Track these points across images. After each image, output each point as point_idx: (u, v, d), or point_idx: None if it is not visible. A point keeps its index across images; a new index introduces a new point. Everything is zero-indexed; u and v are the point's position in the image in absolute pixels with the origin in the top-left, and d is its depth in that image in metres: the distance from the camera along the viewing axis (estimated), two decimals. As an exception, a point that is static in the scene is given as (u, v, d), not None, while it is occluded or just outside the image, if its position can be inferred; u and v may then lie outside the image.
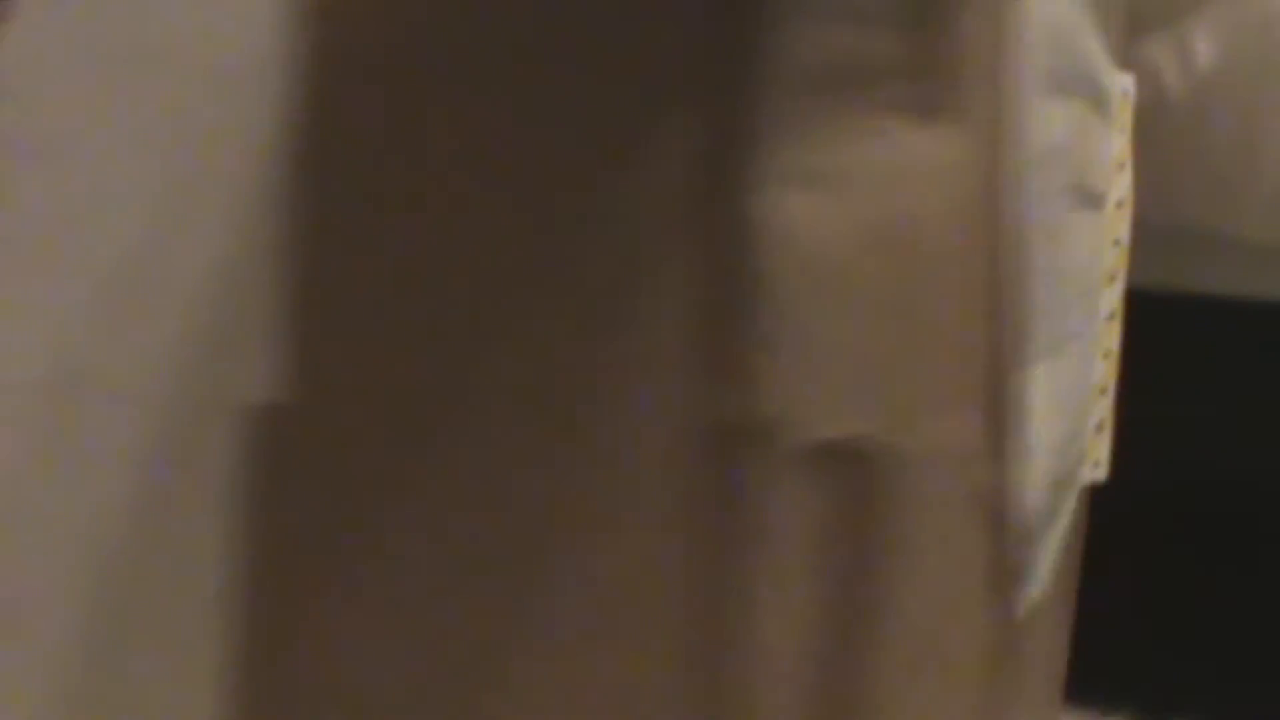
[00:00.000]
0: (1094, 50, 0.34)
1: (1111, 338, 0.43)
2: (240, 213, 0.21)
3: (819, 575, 0.20)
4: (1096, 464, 0.43)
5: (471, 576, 0.21)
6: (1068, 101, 0.27)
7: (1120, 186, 0.43)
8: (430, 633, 0.21)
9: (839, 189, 0.20)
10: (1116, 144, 0.42)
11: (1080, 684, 0.50)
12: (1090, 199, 0.38)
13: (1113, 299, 0.43)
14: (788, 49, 0.20)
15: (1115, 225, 0.43)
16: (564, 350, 0.20)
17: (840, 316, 0.20)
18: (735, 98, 0.20)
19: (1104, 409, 0.43)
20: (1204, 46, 0.46)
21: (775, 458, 0.20)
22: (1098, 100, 0.36)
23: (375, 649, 0.21)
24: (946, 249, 0.21)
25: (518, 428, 0.21)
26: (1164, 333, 0.48)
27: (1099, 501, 0.48)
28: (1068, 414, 0.29)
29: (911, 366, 0.20)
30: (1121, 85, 0.42)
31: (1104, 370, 0.43)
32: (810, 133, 0.20)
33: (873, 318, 0.20)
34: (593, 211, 0.21)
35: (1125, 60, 0.43)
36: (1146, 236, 0.40)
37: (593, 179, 0.21)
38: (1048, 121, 0.25)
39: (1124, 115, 0.42)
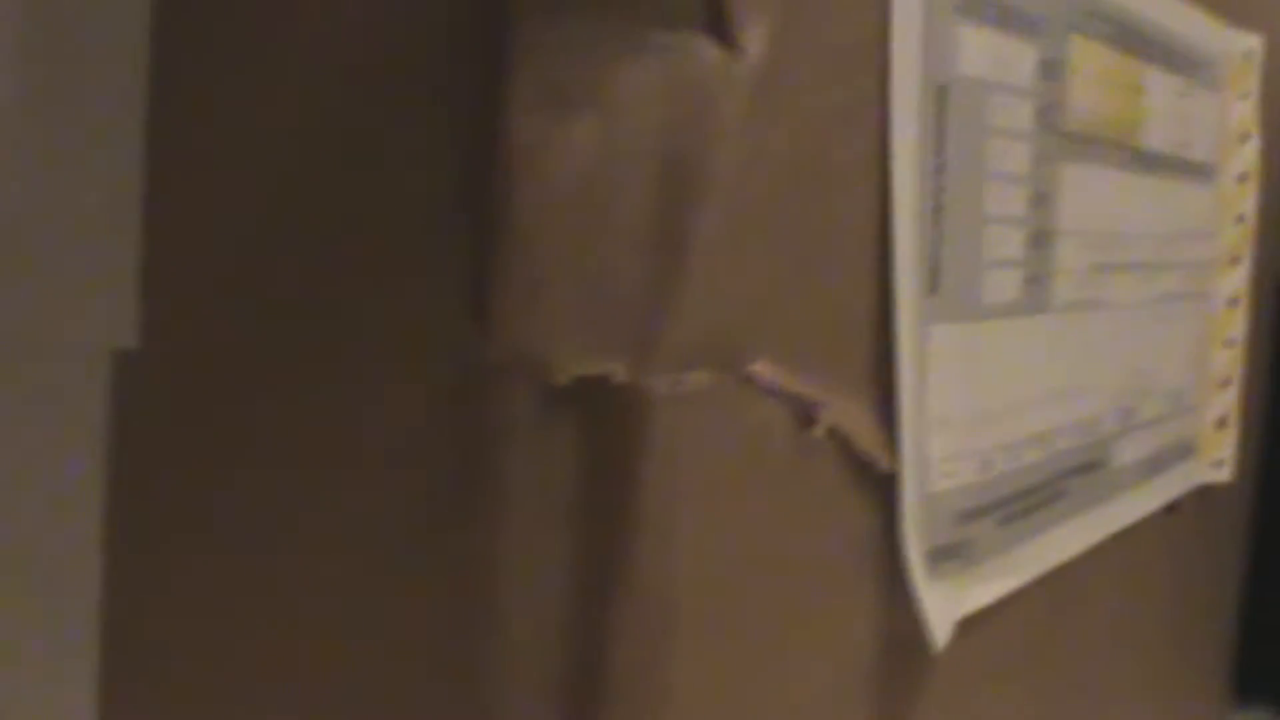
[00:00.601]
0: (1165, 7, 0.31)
1: (1234, 325, 0.39)
2: (98, 160, 0.22)
3: (568, 528, 0.19)
4: (1219, 463, 0.39)
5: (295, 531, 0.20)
6: (991, 32, 0.24)
7: (1243, 159, 0.39)
8: (280, 585, 0.21)
9: (598, 109, 0.19)
10: (1235, 111, 0.38)
11: (1252, 684, 0.45)
12: (1185, 167, 0.34)
13: (1235, 282, 0.39)
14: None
15: (1235, 201, 0.39)
16: (352, 306, 0.20)
17: (590, 247, 0.19)
18: (487, 21, 0.19)
19: (1225, 403, 0.39)
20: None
21: (517, 400, 0.19)
22: (1185, 61, 0.33)
23: (231, 601, 0.21)
24: (724, 176, 0.19)
25: (323, 385, 0.21)
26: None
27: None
28: (1032, 387, 0.26)
29: (670, 302, 0.19)
30: (1242, 47, 0.38)
31: (1225, 360, 0.39)
32: (567, 49, 0.19)
33: (629, 248, 0.19)
34: (359, 154, 0.20)
35: (1251, 20, 0.39)
36: None
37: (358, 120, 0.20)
38: (952, 52, 0.22)
39: (1245, 80, 0.38)
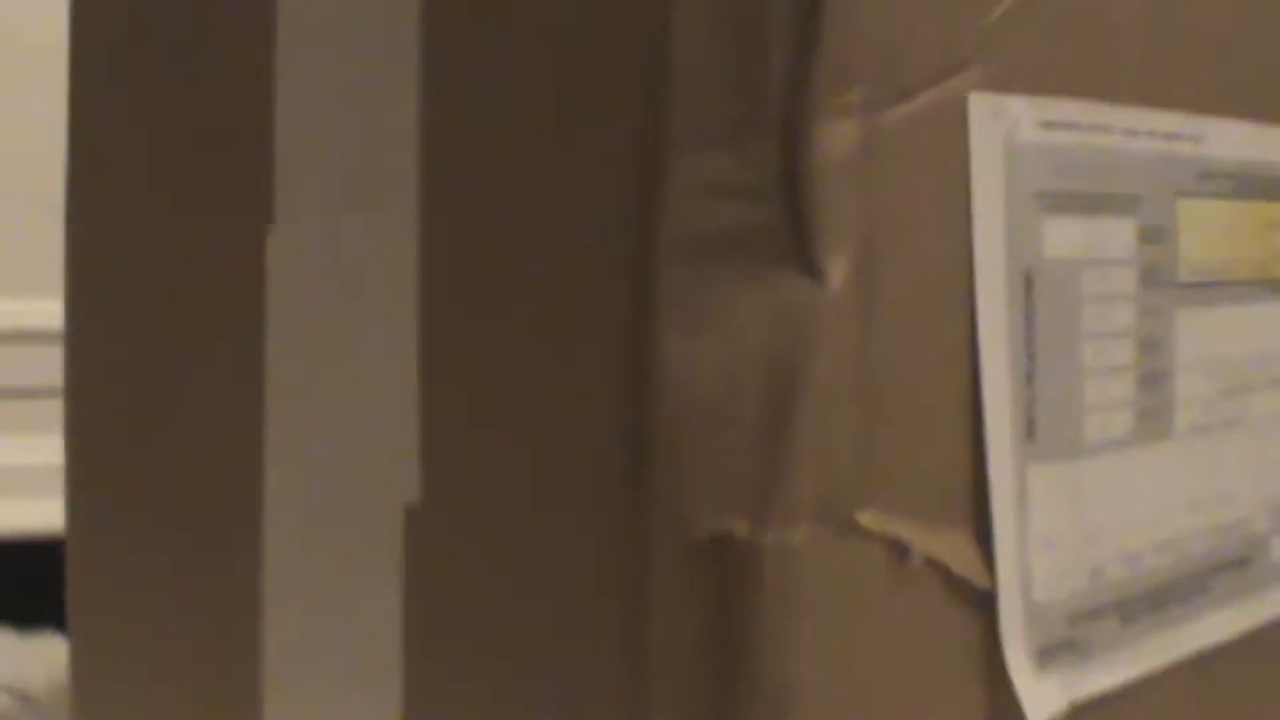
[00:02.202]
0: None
1: None
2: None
3: (707, 653, 0.25)
4: None
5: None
6: (1079, 218, 0.30)
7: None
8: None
9: (721, 333, 0.25)
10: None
11: None
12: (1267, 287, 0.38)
13: None
14: (686, 220, 0.26)
15: None
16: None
17: (719, 435, 0.25)
18: (641, 264, 0.26)
19: None
20: None
21: (667, 552, 0.25)
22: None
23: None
24: (824, 379, 0.25)
25: (516, 544, 0.28)
26: None
27: None
28: (1146, 508, 0.31)
29: (778, 476, 0.25)
30: None
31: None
32: (702, 286, 0.26)
33: (747, 435, 0.25)
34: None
35: None
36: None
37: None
38: (1036, 242, 0.28)
39: None
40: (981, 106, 0.27)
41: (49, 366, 0.40)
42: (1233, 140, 0.34)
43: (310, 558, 0.32)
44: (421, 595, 0.29)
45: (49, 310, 0.40)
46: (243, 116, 0.33)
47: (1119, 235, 0.30)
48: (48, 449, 0.41)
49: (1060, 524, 0.29)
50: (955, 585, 0.28)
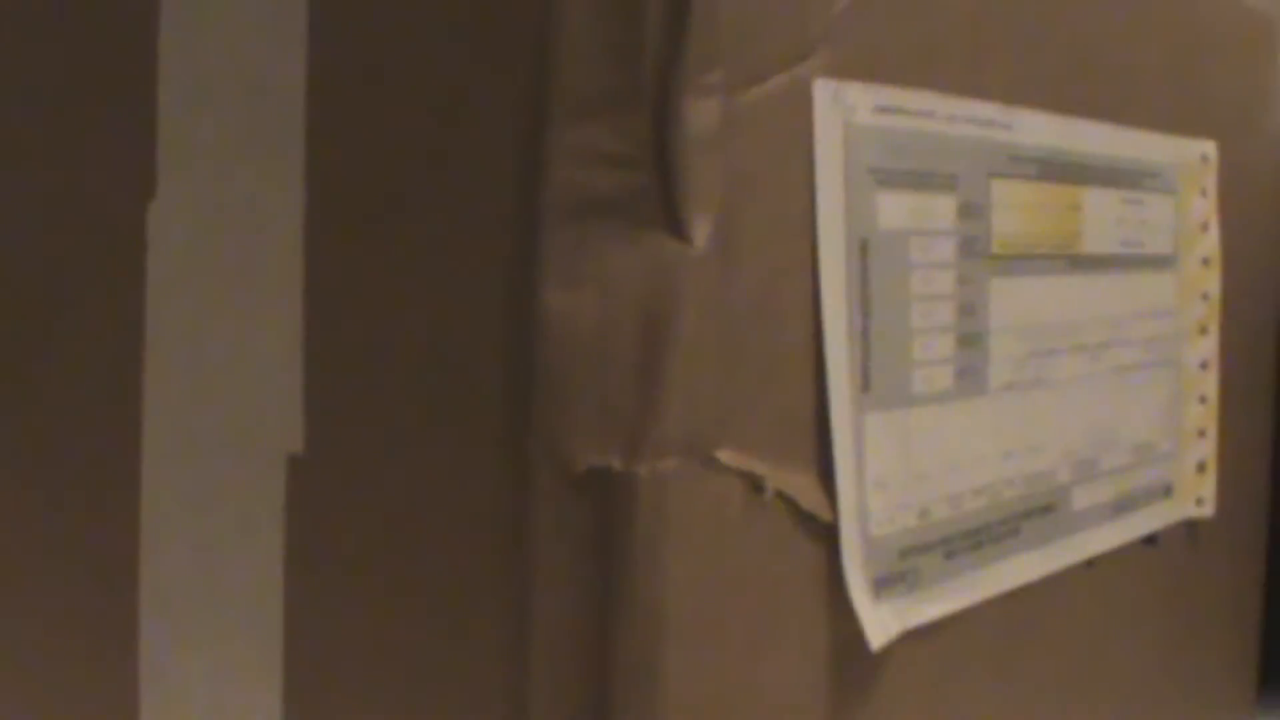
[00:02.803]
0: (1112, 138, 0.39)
1: (1207, 384, 0.47)
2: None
3: (584, 571, 0.28)
4: (1200, 501, 0.47)
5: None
6: (908, 193, 0.33)
7: (1205, 245, 0.46)
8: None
9: (599, 285, 0.28)
10: (1196, 206, 0.46)
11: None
12: (1139, 260, 0.42)
13: (1205, 348, 0.47)
14: (567, 186, 0.28)
15: (1199, 281, 0.46)
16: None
17: (597, 377, 0.28)
18: (524, 224, 0.29)
19: (1203, 451, 0.47)
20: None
21: (549, 483, 0.28)
22: (1130, 175, 0.41)
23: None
24: (689, 329, 0.28)
25: (411, 473, 0.30)
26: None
27: None
28: (969, 451, 0.35)
29: (651, 414, 0.28)
30: (1198, 152, 0.46)
31: (1200, 414, 0.47)
32: (581, 244, 0.28)
33: (623, 377, 0.28)
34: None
35: (1206, 130, 0.47)
36: None
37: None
38: (870, 213, 0.31)
39: (1203, 179, 0.46)
40: (824, 91, 0.31)
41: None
42: (1039, 128, 0.38)
43: (190, 507, 0.34)
44: (303, 543, 0.32)
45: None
46: (128, 72, 0.35)
47: (941, 210, 0.34)
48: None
49: (892, 466, 0.32)
50: (803, 518, 0.31)
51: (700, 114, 0.28)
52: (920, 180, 0.33)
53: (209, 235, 0.33)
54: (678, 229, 0.28)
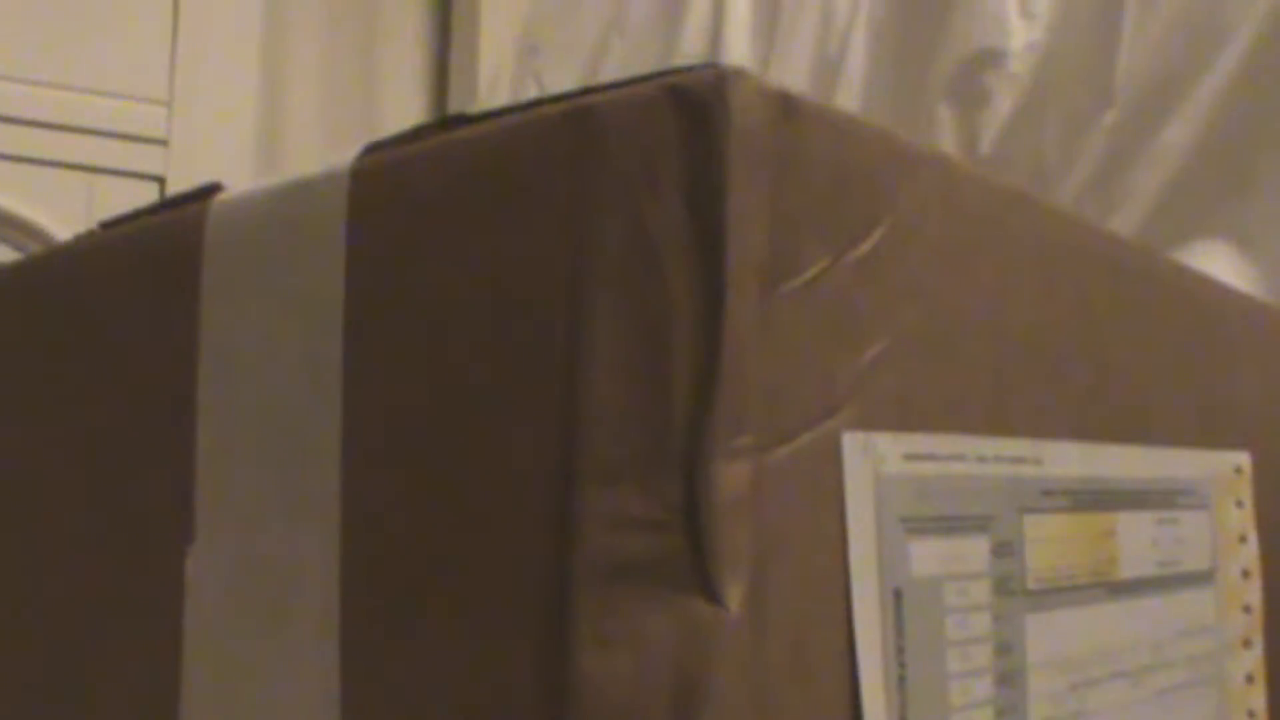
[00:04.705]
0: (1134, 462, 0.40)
1: (1253, 697, 0.46)
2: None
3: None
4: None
5: None
6: (940, 539, 0.33)
7: (1243, 556, 0.46)
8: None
9: (632, 649, 0.28)
10: (1233, 518, 0.46)
11: None
12: (1176, 579, 0.42)
13: (1248, 663, 0.46)
14: (593, 548, 0.29)
15: (1240, 593, 0.46)
16: None
17: None
18: (558, 587, 0.29)
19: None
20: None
21: None
22: (1163, 494, 0.41)
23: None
24: (723, 692, 0.28)
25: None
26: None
27: None
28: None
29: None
30: (1232, 463, 0.46)
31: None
32: (614, 608, 0.29)
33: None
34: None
35: (1238, 440, 0.47)
36: None
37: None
38: (903, 562, 0.32)
39: (1238, 490, 0.46)
40: (853, 444, 0.31)
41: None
42: (1068, 459, 0.38)
43: None
44: None
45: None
46: (168, 439, 0.36)
47: (975, 551, 0.34)
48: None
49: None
50: None
51: (730, 477, 0.29)
52: (952, 525, 0.34)
53: (243, 594, 0.34)
54: (710, 592, 0.29)
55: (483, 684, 0.30)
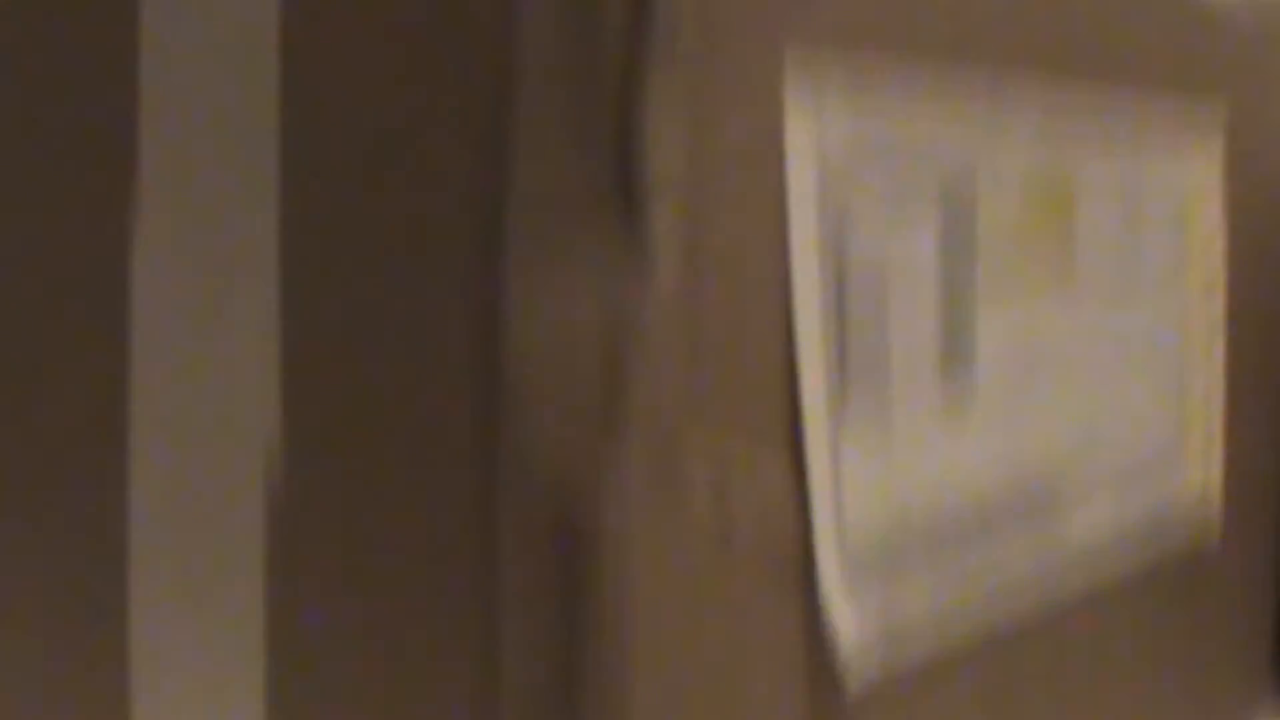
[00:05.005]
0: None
1: (1213, 382, 0.46)
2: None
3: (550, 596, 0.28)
4: (1205, 513, 0.46)
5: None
6: (891, 213, 0.32)
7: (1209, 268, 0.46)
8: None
9: (564, 296, 0.28)
10: (1206, 216, 0.45)
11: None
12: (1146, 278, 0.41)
13: (1211, 366, 0.46)
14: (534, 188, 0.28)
15: (1208, 282, 0.45)
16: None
17: (558, 385, 0.28)
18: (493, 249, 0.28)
19: (1210, 462, 0.46)
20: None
21: (518, 495, 0.28)
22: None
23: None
24: (646, 360, 0.28)
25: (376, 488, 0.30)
26: None
27: None
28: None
29: (614, 435, 0.27)
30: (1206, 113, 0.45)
31: (1205, 419, 0.46)
32: (551, 289, 0.28)
33: (586, 409, 0.28)
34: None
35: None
36: None
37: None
38: (844, 238, 0.31)
39: (1211, 144, 0.45)
40: (799, 81, 0.30)
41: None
42: (1030, 103, 0.37)
43: (175, 549, 0.33)
44: (282, 589, 0.31)
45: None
46: (109, 121, 0.35)
47: (924, 234, 0.33)
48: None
49: (872, 467, 0.32)
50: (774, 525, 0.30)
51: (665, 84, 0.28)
52: (902, 197, 0.33)
53: (189, 277, 0.33)
54: (642, 266, 0.28)
55: (421, 330, 0.29)
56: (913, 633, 0.33)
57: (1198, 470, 0.45)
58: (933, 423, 0.34)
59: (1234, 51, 0.47)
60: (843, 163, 0.31)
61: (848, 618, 0.31)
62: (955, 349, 0.34)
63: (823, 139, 0.30)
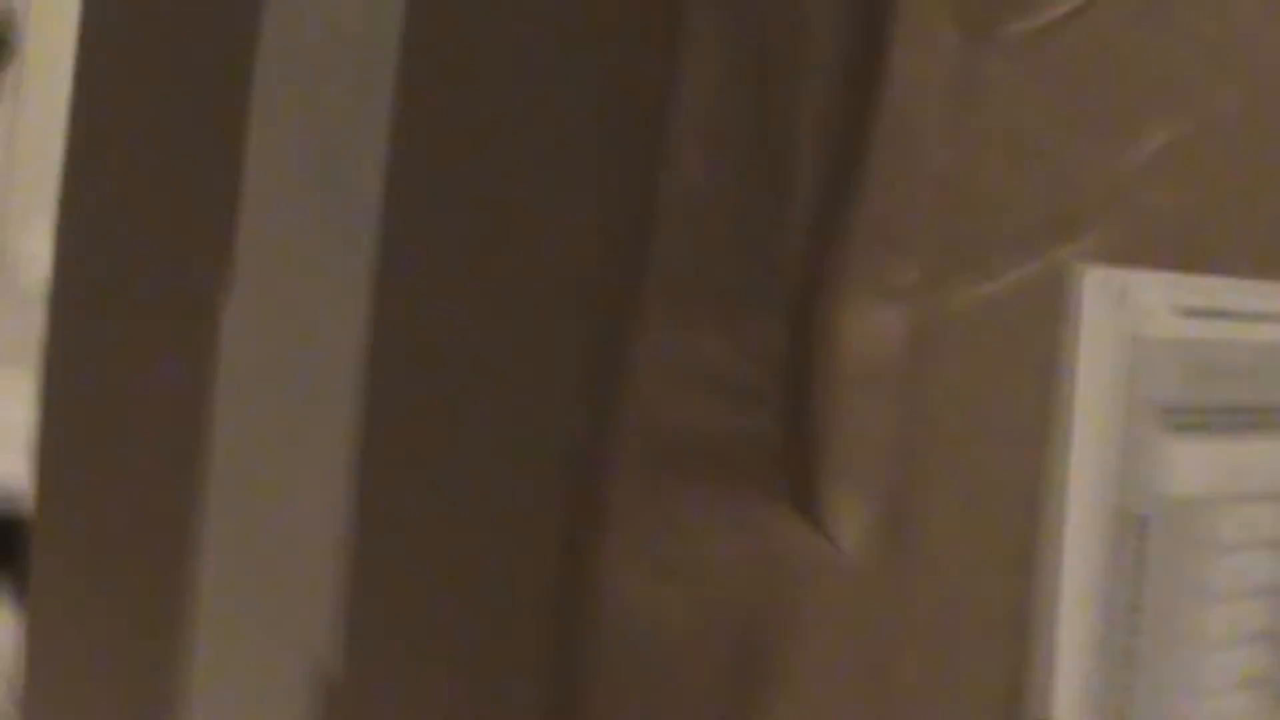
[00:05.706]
0: None
1: None
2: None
3: None
4: None
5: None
6: (1225, 441, 0.21)
7: None
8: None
9: (690, 582, 0.18)
10: None
11: None
12: None
13: None
14: (649, 419, 0.19)
15: None
16: None
17: (669, 697, 0.18)
18: (592, 470, 0.19)
19: None
20: None
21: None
22: None
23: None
24: (814, 654, 0.18)
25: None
26: None
27: None
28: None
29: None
30: None
31: None
32: (667, 517, 0.18)
33: (703, 703, 0.18)
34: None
35: None
36: None
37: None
38: (1161, 475, 0.20)
39: None
40: (1098, 285, 0.20)
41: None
42: None
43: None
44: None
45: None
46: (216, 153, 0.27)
47: (1265, 460, 0.22)
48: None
49: None
50: None
51: (868, 330, 0.18)
52: (1241, 419, 0.22)
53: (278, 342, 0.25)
54: (811, 508, 0.18)
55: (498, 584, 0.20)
56: None
57: None
58: None
59: None
60: (1162, 373, 0.20)
61: None
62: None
63: (1138, 335, 0.20)
